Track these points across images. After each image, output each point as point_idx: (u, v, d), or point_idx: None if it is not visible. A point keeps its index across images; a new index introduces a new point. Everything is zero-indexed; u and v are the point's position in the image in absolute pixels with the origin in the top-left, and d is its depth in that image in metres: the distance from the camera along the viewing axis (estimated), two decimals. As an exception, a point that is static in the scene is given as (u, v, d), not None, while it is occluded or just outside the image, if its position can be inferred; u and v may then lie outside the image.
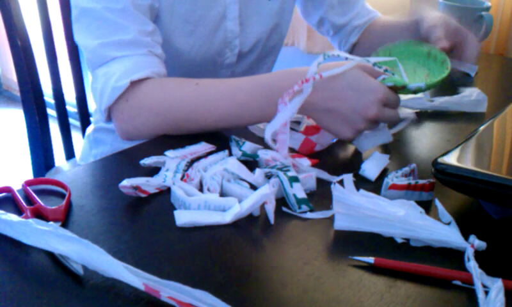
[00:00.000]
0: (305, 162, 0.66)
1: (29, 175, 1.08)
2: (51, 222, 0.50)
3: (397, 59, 0.76)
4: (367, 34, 1.05)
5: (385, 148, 0.75)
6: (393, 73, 0.68)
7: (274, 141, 0.66)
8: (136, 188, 0.59)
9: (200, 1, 0.84)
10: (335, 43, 1.11)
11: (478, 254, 0.51)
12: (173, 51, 0.86)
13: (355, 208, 0.55)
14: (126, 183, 0.58)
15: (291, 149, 0.72)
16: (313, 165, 0.66)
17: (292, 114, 0.64)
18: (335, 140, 0.75)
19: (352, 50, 1.08)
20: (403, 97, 0.91)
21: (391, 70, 0.69)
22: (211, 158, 0.66)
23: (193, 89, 0.73)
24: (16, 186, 0.60)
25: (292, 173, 0.61)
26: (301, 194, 0.59)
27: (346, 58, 0.68)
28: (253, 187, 0.61)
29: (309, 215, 0.58)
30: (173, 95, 0.73)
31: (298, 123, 0.77)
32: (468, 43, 0.85)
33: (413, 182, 0.62)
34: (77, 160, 1.15)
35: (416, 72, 0.79)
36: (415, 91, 0.70)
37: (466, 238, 0.53)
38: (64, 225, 0.55)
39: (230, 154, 0.69)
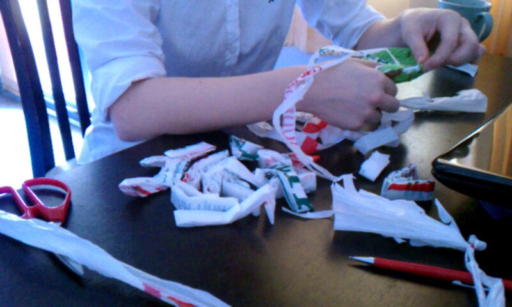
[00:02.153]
0: (308, 158, 0.66)
1: (29, 175, 1.08)
2: (51, 222, 0.49)
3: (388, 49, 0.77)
4: (366, 37, 1.05)
5: (385, 148, 0.75)
6: (387, 62, 0.70)
7: (282, 125, 0.66)
8: (136, 188, 0.59)
9: (200, 3, 0.84)
10: (337, 45, 1.11)
11: (478, 254, 0.51)
12: (174, 53, 0.86)
13: (355, 208, 0.55)
14: (126, 183, 0.58)
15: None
16: (315, 162, 0.66)
17: (298, 99, 0.65)
18: (338, 140, 0.75)
19: None
20: (402, 97, 0.91)
21: (384, 60, 0.71)
22: (211, 158, 0.66)
23: (196, 87, 0.73)
24: (16, 186, 0.60)
25: (292, 173, 0.61)
26: (301, 194, 0.60)
27: (342, 52, 0.70)
28: (253, 187, 0.61)
29: (309, 215, 0.58)
30: (176, 93, 0.73)
31: (301, 123, 0.77)
32: (446, 28, 0.78)
33: (413, 182, 0.62)
34: (77, 160, 1.15)
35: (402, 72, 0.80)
36: (410, 77, 0.73)
37: (466, 238, 0.53)
38: (64, 225, 0.55)
39: (230, 154, 0.69)
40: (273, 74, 0.73)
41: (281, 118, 0.66)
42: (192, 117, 0.73)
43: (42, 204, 0.57)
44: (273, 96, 0.69)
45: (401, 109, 0.85)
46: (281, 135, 0.66)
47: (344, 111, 0.69)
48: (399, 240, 0.54)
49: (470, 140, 0.63)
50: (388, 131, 0.74)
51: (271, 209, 0.56)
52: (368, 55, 0.69)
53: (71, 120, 1.24)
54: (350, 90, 0.68)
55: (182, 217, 0.56)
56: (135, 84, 0.73)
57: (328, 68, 0.68)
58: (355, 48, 1.07)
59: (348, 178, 0.61)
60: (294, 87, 0.65)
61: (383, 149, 0.74)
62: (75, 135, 1.28)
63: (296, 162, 0.66)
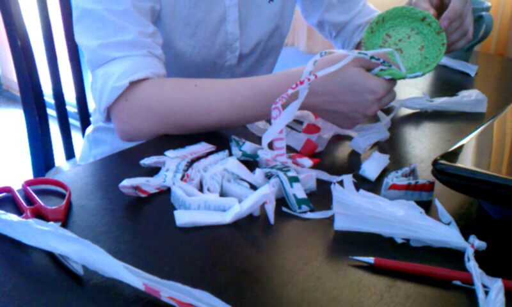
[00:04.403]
0: (307, 162, 0.66)
1: (29, 175, 1.08)
2: (51, 222, 0.49)
3: (394, 46, 0.76)
4: None
5: (385, 148, 0.75)
6: (391, 64, 0.68)
7: (271, 147, 0.66)
8: (136, 188, 0.59)
9: (201, 4, 0.85)
10: (338, 44, 1.10)
11: (478, 254, 0.51)
12: (174, 53, 0.86)
13: (355, 208, 0.55)
14: (126, 183, 0.58)
15: (292, 149, 0.72)
16: (314, 165, 0.66)
17: (288, 121, 0.64)
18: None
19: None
20: (402, 97, 0.91)
21: (388, 61, 0.69)
22: (211, 158, 0.66)
23: (192, 91, 0.73)
24: (16, 186, 0.60)
25: (292, 173, 0.61)
26: (301, 194, 0.59)
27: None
28: (253, 187, 0.61)
29: (309, 215, 0.58)
30: (172, 96, 0.73)
31: (299, 122, 0.77)
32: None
33: (413, 182, 0.62)
34: (77, 160, 1.15)
35: (411, 43, 0.79)
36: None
37: (466, 238, 0.53)
38: (64, 225, 0.55)
39: (230, 154, 0.69)
40: (268, 84, 0.71)
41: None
42: (188, 120, 0.73)
43: (42, 204, 0.57)
44: (269, 106, 0.68)
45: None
46: (273, 158, 0.66)
47: (339, 118, 0.71)
48: (399, 240, 0.54)
49: (470, 140, 0.63)
50: (379, 128, 0.76)
51: (271, 209, 0.56)
52: (372, 57, 0.67)
53: (71, 120, 1.24)
54: (347, 105, 0.68)
55: (182, 217, 0.56)
56: (133, 84, 0.73)
57: (325, 76, 0.66)
58: (358, 44, 1.06)
59: (348, 178, 0.61)
60: (281, 102, 0.64)
61: (383, 149, 0.74)
62: (75, 135, 1.28)
63: (296, 163, 0.66)
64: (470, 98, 0.91)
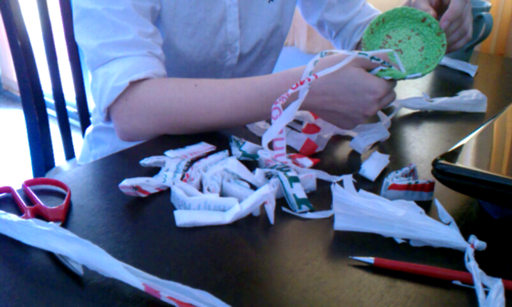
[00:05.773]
0: (307, 162, 0.66)
1: (29, 175, 1.08)
2: (51, 222, 0.49)
3: (394, 47, 0.76)
4: None
5: (385, 148, 0.75)
6: (391, 65, 0.68)
7: (272, 147, 0.66)
8: (136, 188, 0.59)
9: (201, 4, 0.85)
10: (338, 44, 1.10)
11: (478, 254, 0.51)
12: (175, 53, 0.86)
13: (355, 208, 0.55)
14: (126, 183, 0.58)
15: (292, 149, 0.72)
16: (314, 165, 0.66)
17: (288, 121, 0.64)
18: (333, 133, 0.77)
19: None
20: (402, 97, 0.91)
21: (388, 61, 0.69)
22: (211, 158, 0.66)
23: (192, 90, 0.73)
24: (16, 186, 0.60)
25: (292, 173, 0.61)
26: (301, 194, 0.59)
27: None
28: (253, 187, 0.61)
29: (309, 215, 0.58)
30: (172, 96, 0.73)
31: (299, 122, 0.77)
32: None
33: (413, 182, 0.62)
34: (77, 160, 1.15)
35: (411, 44, 0.79)
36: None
37: (466, 238, 0.53)
38: (64, 225, 0.55)
39: (230, 154, 0.69)
40: (268, 84, 0.71)
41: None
42: (189, 120, 0.73)
43: (42, 204, 0.57)
44: (269, 106, 0.68)
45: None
46: (273, 158, 0.65)
47: (339, 118, 0.71)
48: (399, 240, 0.54)
49: (470, 140, 0.63)
50: (379, 128, 0.76)
51: (271, 209, 0.56)
52: (372, 58, 0.67)
53: (71, 120, 1.24)
54: (347, 105, 0.68)
55: (182, 217, 0.56)
56: (133, 84, 0.73)
57: (325, 76, 0.66)
58: (358, 44, 1.06)
59: (348, 178, 0.61)
60: (281, 102, 0.63)
61: (382, 149, 0.74)
62: (75, 135, 1.28)
63: (296, 163, 0.66)
64: (470, 98, 0.91)
